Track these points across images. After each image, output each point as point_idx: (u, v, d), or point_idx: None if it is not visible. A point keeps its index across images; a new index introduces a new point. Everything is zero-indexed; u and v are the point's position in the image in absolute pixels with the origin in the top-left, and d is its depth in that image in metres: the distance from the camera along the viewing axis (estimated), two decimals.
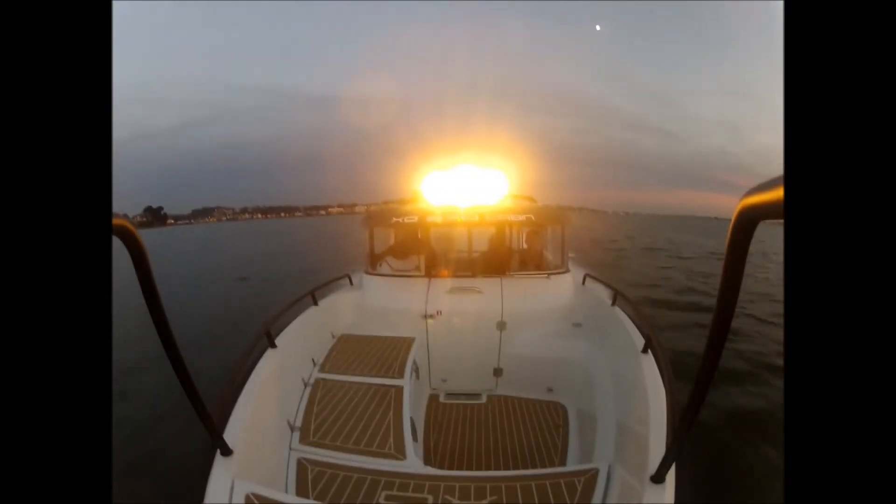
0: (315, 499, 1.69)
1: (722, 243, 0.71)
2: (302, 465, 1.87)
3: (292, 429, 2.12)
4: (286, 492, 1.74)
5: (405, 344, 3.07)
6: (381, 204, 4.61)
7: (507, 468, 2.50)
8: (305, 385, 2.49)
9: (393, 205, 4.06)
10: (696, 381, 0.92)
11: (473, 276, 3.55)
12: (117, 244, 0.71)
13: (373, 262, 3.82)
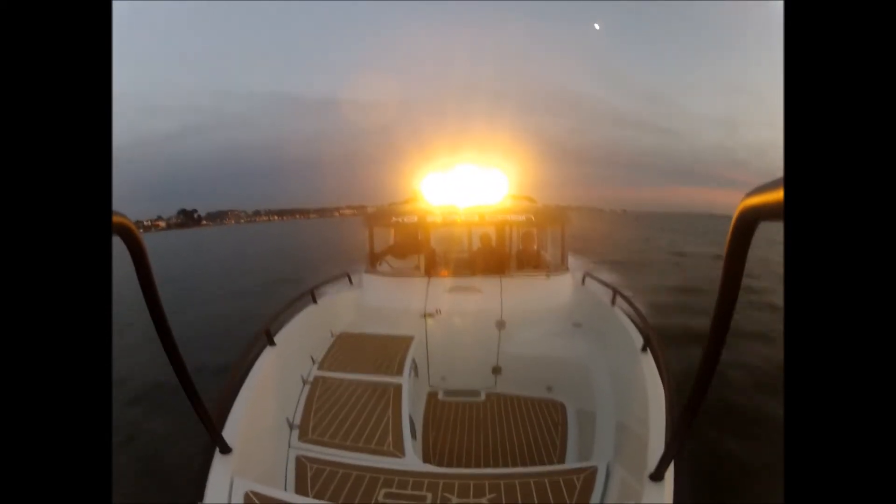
0: (314, 496, 1.69)
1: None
2: (301, 463, 1.86)
3: (291, 426, 2.12)
4: (285, 489, 1.74)
5: (404, 342, 3.07)
6: (386, 206, 4.66)
7: (505, 466, 2.49)
8: (304, 383, 2.49)
9: (395, 205, 4.07)
10: (695, 380, 0.92)
11: (473, 275, 3.56)
12: (118, 244, 0.72)
13: (373, 261, 3.84)
